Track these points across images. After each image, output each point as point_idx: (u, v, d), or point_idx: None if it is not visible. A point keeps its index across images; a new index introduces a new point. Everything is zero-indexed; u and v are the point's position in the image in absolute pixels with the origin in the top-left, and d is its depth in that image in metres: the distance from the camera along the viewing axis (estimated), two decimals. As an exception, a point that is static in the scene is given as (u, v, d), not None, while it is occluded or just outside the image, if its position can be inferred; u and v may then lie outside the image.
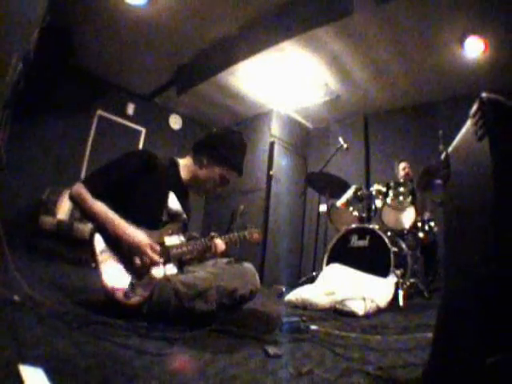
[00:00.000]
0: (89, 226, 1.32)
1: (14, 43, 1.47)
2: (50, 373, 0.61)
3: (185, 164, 1.55)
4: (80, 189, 1.26)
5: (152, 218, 1.37)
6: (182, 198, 1.51)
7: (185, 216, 1.52)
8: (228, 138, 1.55)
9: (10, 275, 1.31)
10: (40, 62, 2.18)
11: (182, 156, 1.59)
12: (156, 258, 1.25)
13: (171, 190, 1.46)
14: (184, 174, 1.54)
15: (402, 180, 3.15)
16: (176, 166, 1.54)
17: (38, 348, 0.75)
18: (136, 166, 1.36)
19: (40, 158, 3.90)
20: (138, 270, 1.22)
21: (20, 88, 1.78)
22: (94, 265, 1.20)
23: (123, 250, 1.23)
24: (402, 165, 3.40)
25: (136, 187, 1.34)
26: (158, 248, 1.28)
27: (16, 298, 1.08)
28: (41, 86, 3.42)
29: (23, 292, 1.19)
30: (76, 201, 1.26)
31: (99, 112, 4.46)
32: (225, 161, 1.50)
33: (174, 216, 1.45)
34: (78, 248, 3.25)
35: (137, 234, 1.25)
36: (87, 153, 4.32)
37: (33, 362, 0.64)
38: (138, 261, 1.22)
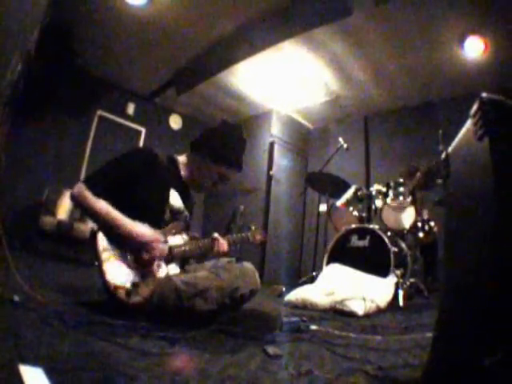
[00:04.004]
0: (89, 226, 1.32)
1: (14, 43, 1.47)
2: (49, 373, 0.61)
3: (183, 162, 1.55)
4: (81, 189, 1.25)
5: (154, 216, 1.37)
6: (183, 196, 1.51)
7: (186, 214, 1.52)
8: (225, 135, 1.52)
9: (10, 275, 1.31)
10: (40, 62, 2.18)
11: (180, 154, 1.58)
12: (163, 250, 1.28)
13: (172, 187, 1.46)
14: (183, 171, 1.54)
15: (404, 180, 3.10)
16: (175, 163, 1.53)
17: (38, 348, 0.75)
18: (137, 164, 1.36)
19: (40, 158, 3.90)
20: (146, 265, 1.23)
21: (20, 88, 1.78)
22: (96, 263, 1.20)
23: (129, 247, 1.24)
24: (419, 175, 3.29)
25: (137, 185, 1.34)
26: (164, 239, 1.30)
27: (16, 297, 1.08)
28: (41, 85, 3.42)
29: (23, 292, 1.19)
30: (78, 201, 1.26)
31: (99, 112, 4.46)
32: (222, 159, 1.48)
33: (176, 214, 1.45)
34: (78, 248, 3.26)
35: (143, 230, 1.26)
36: (87, 153, 4.33)
37: (33, 362, 0.64)
38: (146, 255, 1.23)
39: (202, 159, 1.49)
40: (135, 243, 1.24)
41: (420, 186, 3.00)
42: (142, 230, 1.27)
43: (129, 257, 1.24)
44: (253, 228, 1.63)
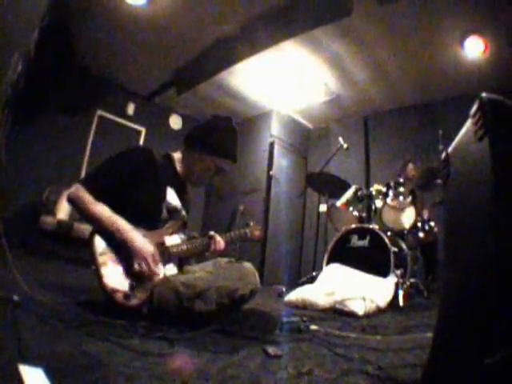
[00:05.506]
0: (88, 226, 1.32)
1: (14, 43, 1.47)
2: (49, 373, 0.61)
3: (178, 158, 1.54)
4: (79, 190, 1.25)
5: (152, 215, 1.37)
6: (180, 193, 1.50)
7: (184, 213, 1.51)
8: (217, 126, 1.52)
9: (10, 275, 1.31)
10: (40, 62, 2.18)
11: (175, 151, 1.58)
12: (154, 270, 1.24)
13: (169, 185, 1.45)
14: (179, 167, 1.53)
15: (403, 180, 3.12)
16: (171, 160, 1.53)
17: (38, 348, 0.75)
18: (133, 163, 1.35)
19: (40, 158, 3.90)
20: (136, 275, 1.22)
21: (20, 88, 1.78)
22: (93, 267, 1.20)
23: (124, 253, 1.23)
24: (411, 166, 3.36)
25: (134, 184, 1.33)
26: (158, 258, 1.27)
27: (16, 297, 1.08)
28: (41, 85, 3.42)
29: (23, 292, 1.19)
30: (75, 203, 1.25)
31: (99, 112, 4.46)
32: (216, 150, 1.49)
33: (173, 212, 1.44)
34: (78, 248, 3.26)
35: (141, 241, 1.24)
36: (87, 153, 4.33)
37: (33, 362, 0.64)
38: (136, 267, 1.22)
39: (197, 153, 1.49)
40: (129, 250, 1.23)
41: (420, 186, 3.00)
42: (140, 240, 1.24)
43: (122, 262, 1.23)
44: (251, 224, 1.63)
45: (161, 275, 1.28)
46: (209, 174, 1.53)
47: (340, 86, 4.13)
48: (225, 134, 1.52)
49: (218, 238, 1.47)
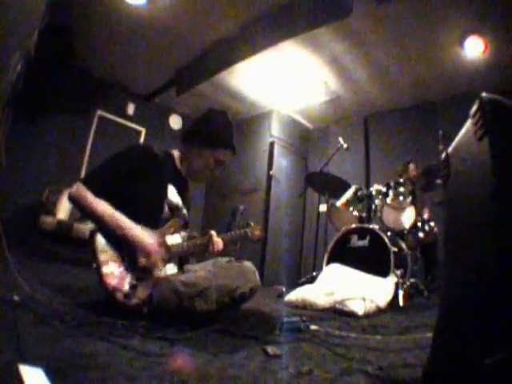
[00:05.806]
0: (89, 226, 1.32)
1: (14, 43, 1.47)
2: (49, 373, 0.61)
3: (178, 155, 1.55)
4: (80, 189, 1.25)
5: (153, 213, 1.37)
6: (181, 191, 1.51)
7: (185, 211, 1.52)
8: (212, 120, 1.53)
9: (10, 275, 1.31)
10: (40, 62, 2.18)
11: (175, 148, 1.59)
12: (159, 263, 1.26)
13: (170, 183, 1.46)
14: (179, 165, 1.54)
15: (403, 180, 3.11)
16: (172, 158, 1.54)
17: (38, 348, 0.75)
18: (135, 161, 1.36)
19: (40, 158, 3.90)
20: (141, 270, 1.23)
21: (20, 88, 1.78)
22: (94, 265, 1.20)
23: (128, 250, 1.24)
24: (412, 166, 3.36)
25: (136, 183, 1.33)
26: (163, 252, 1.29)
27: (16, 297, 1.08)
28: (41, 86, 3.42)
29: (23, 292, 1.19)
30: (77, 201, 1.25)
31: (99, 112, 4.46)
32: (214, 142, 1.49)
33: (174, 210, 1.45)
34: (78, 248, 3.26)
35: (145, 236, 1.26)
36: (87, 153, 4.32)
37: (33, 362, 0.64)
38: (142, 262, 1.23)
39: (195, 148, 1.50)
40: (134, 246, 1.24)
41: (420, 187, 3.00)
42: (143, 235, 1.26)
43: (126, 259, 1.24)
44: (252, 224, 1.64)
45: (162, 274, 1.29)
46: (209, 168, 1.53)
47: (340, 86, 4.13)
48: (221, 126, 1.53)
49: (216, 238, 1.47)
